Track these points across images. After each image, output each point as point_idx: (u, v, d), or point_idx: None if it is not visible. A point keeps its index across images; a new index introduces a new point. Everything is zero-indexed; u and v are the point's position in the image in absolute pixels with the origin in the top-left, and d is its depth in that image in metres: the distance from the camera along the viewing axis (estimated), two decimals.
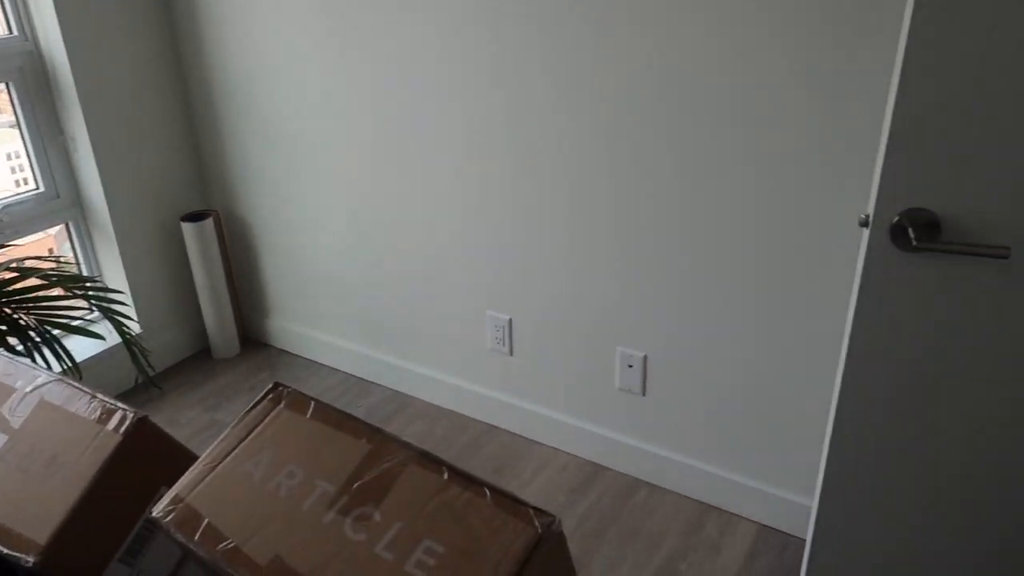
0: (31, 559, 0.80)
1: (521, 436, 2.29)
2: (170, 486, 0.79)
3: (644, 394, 2.00)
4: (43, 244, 2.59)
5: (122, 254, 2.49)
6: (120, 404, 0.89)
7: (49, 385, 0.92)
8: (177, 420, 2.43)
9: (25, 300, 1.61)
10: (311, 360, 2.73)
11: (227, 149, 2.54)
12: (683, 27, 1.58)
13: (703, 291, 1.79)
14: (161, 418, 2.44)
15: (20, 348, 1.59)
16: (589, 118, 1.78)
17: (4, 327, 1.54)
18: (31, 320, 1.58)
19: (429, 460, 0.74)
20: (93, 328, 1.91)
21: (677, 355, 1.90)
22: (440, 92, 1.98)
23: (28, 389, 0.92)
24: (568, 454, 2.21)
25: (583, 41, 1.72)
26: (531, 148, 1.90)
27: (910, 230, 1.09)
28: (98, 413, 0.87)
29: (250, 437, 0.79)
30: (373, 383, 2.58)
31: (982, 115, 1.02)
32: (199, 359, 2.77)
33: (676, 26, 1.59)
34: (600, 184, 1.83)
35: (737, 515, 1.96)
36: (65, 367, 1.68)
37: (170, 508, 0.74)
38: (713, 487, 1.97)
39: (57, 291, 1.94)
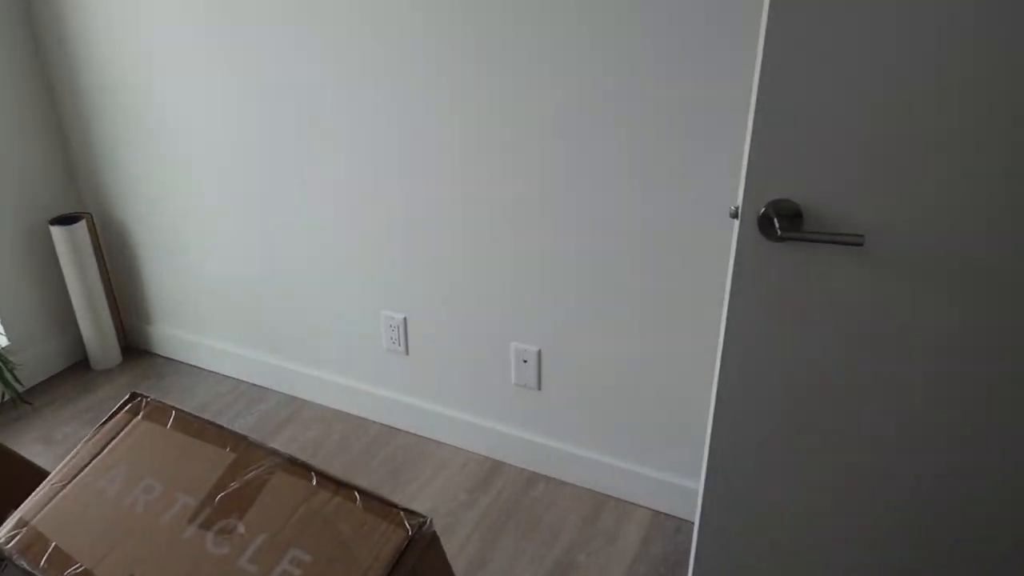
0: None
1: (420, 436, 2.27)
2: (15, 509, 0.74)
3: (540, 388, 2.02)
4: None
5: None
6: None
7: None
8: (52, 436, 2.29)
9: None
10: (199, 367, 2.62)
11: (99, 148, 2.40)
12: (515, 27, 1.60)
13: (591, 285, 1.82)
14: (35, 435, 2.29)
15: None
16: (477, 116, 1.78)
17: None
18: None
19: (297, 466, 0.72)
20: None
21: (570, 349, 1.92)
22: (325, 85, 1.94)
23: None
24: (467, 452, 2.21)
25: (446, 37, 1.71)
26: (421, 144, 1.88)
27: (775, 220, 1.14)
28: None
29: (105, 451, 0.74)
30: (267, 388, 2.50)
31: (839, 108, 1.07)
32: (77, 370, 2.61)
33: (557, 26, 1.61)
34: (490, 181, 1.83)
35: (632, 503, 2.00)
36: None
37: (13, 533, 0.69)
38: (608, 477, 2.00)
39: None
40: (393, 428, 2.31)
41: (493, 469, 2.14)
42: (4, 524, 0.71)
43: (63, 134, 2.45)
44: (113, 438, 0.76)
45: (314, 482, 0.71)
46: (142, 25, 2.12)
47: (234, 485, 0.70)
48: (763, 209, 1.16)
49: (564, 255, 1.82)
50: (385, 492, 2.06)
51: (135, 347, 2.74)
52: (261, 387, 2.51)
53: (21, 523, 0.70)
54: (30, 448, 2.24)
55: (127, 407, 0.79)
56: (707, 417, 1.83)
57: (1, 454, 0.81)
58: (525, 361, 2.00)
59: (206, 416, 2.34)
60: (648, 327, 1.80)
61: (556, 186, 1.76)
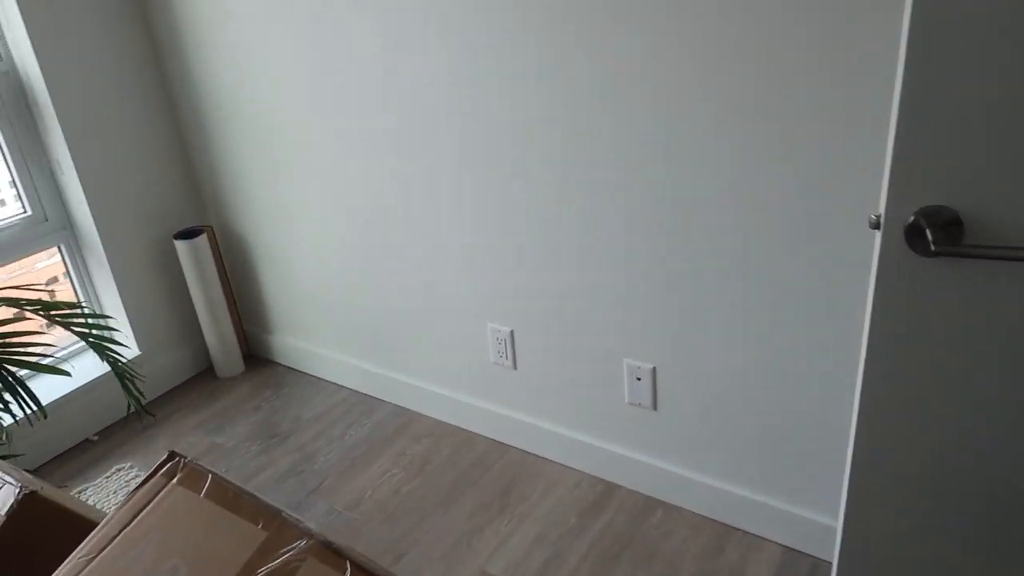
0: None
1: (530, 453, 2.17)
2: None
3: (655, 408, 1.86)
4: (51, 271, 2.54)
5: (115, 276, 2.42)
6: (11, 478, 0.78)
7: None
8: (176, 445, 2.36)
9: None
10: (316, 377, 2.64)
11: (220, 163, 2.45)
12: (681, 26, 1.43)
13: (712, 299, 1.64)
14: (160, 444, 2.36)
15: None
16: (591, 127, 1.64)
17: None
18: None
19: (331, 552, 0.62)
20: (80, 357, 1.82)
21: (688, 367, 1.75)
22: (438, 102, 1.86)
23: None
24: (579, 472, 2.08)
25: (583, 52, 1.58)
26: (533, 157, 1.76)
27: (928, 231, 0.94)
28: None
29: (135, 521, 0.68)
30: (378, 399, 2.48)
31: (1015, 88, 0.86)
32: (202, 379, 2.70)
33: (673, 26, 1.44)
34: (604, 191, 1.69)
35: (759, 537, 1.81)
36: (26, 411, 1.59)
37: None
38: (733, 506, 1.82)
39: (32, 323, 1.87)
40: (502, 444, 2.22)
41: (606, 492, 2.00)
42: None
43: (186, 151, 2.52)
44: (145, 506, 0.70)
45: (347, 573, 0.61)
46: (258, 43, 2.13)
47: (262, 572, 0.61)
48: (912, 218, 0.96)
49: (682, 266, 1.65)
50: (494, 512, 1.97)
51: (257, 355, 2.80)
52: (374, 398, 2.49)
53: None
54: (155, 458, 2.31)
55: (164, 468, 0.72)
56: (846, 446, 1.61)
57: (46, 510, 0.77)
58: (639, 379, 1.85)
59: (323, 424, 2.36)
60: (777, 344, 1.60)
61: (671, 191, 1.59)
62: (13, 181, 2.30)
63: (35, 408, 1.63)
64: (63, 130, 2.21)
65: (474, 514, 1.97)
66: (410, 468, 2.16)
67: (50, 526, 0.77)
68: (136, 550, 0.65)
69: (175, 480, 0.70)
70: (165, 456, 0.72)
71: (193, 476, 0.70)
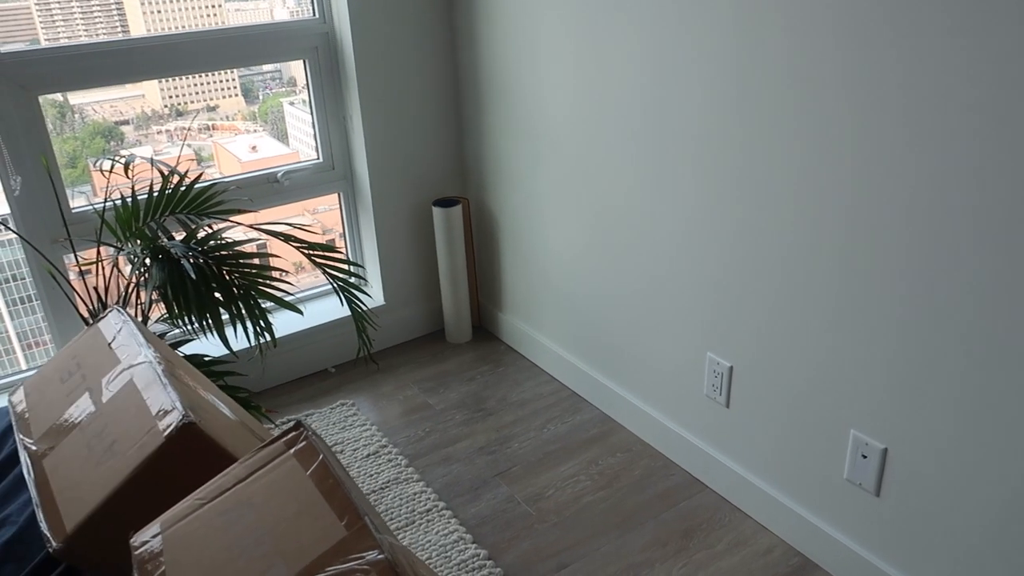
0: (54, 544, 0.79)
1: (727, 500, 1.99)
2: None
3: (878, 494, 1.60)
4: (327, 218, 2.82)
5: (377, 229, 2.62)
6: (179, 404, 0.85)
7: (141, 367, 0.92)
8: (394, 396, 2.52)
9: (244, 265, 1.72)
10: (533, 362, 2.66)
11: (486, 141, 2.54)
12: (936, 39, 1.18)
13: (977, 387, 1.36)
14: (380, 391, 2.54)
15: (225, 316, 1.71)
16: (853, 154, 1.44)
17: (217, 288, 1.65)
18: (240, 283, 1.68)
19: (393, 575, 0.58)
20: (324, 299, 1.99)
21: (927, 454, 1.48)
22: (699, 123, 1.75)
23: (125, 365, 0.93)
24: (775, 536, 1.87)
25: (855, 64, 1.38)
26: (785, 188, 1.59)
27: None
28: (158, 409, 0.85)
29: (248, 480, 0.70)
30: (586, 401, 2.44)
31: None
32: (433, 339, 2.84)
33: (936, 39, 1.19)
34: (865, 242, 1.48)
35: None
36: (261, 340, 1.77)
37: (145, 541, 0.68)
38: None
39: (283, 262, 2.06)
40: (699, 481, 2.06)
41: (800, 568, 1.78)
42: (148, 527, 0.71)
43: (459, 126, 2.65)
44: (262, 467, 0.71)
45: None
46: (537, 38, 2.16)
47: (328, 571, 0.59)
48: None
49: (944, 340, 1.39)
50: (670, 551, 1.84)
51: (485, 328, 2.89)
52: (582, 398, 2.45)
53: (155, 533, 0.68)
54: (375, 402, 2.49)
55: (287, 436, 0.73)
56: None
57: (200, 440, 0.82)
58: (864, 456, 1.60)
59: (527, 410, 2.37)
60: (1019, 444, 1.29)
61: (938, 245, 1.34)
62: (314, 129, 2.58)
63: (268, 337, 1.81)
64: (359, 89, 2.42)
65: (649, 547, 1.86)
66: (599, 479, 2.10)
67: (199, 459, 0.83)
68: (238, 511, 0.67)
69: (292, 451, 0.71)
70: (292, 424, 0.74)
71: (307, 452, 0.70)
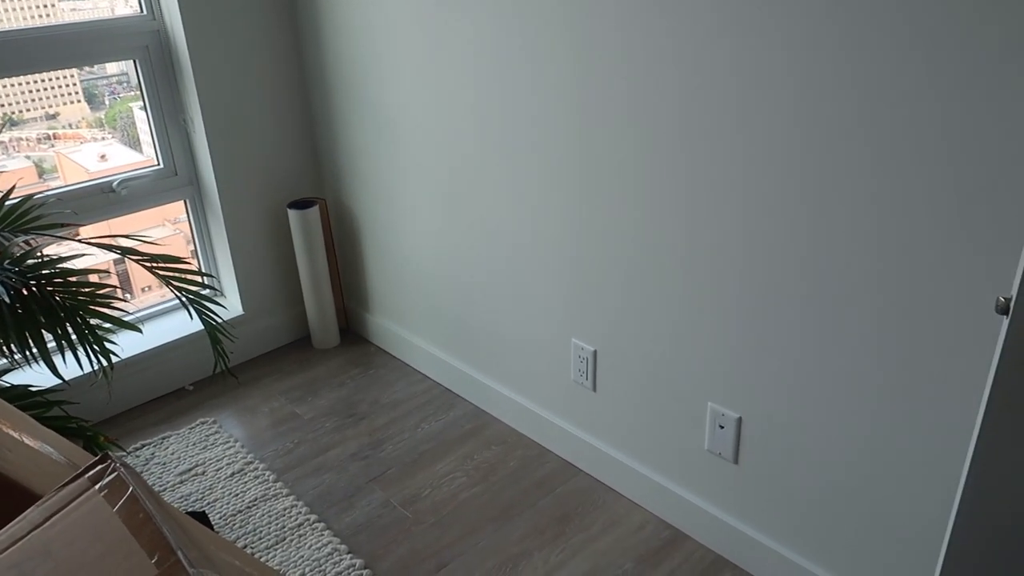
0: None
1: (600, 482, 2.03)
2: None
3: (736, 461, 1.67)
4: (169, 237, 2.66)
5: (229, 236, 2.49)
6: None
7: None
8: (258, 409, 2.40)
9: (72, 284, 1.58)
10: (404, 362, 2.61)
11: (339, 138, 2.46)
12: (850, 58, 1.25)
13: (814, 357, 1.44)
14: (244, 405, 2.42)
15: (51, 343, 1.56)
16: (713, 156, 1.48)
17: (40, 312, 1.51)
18: (68, 303, 1.55)
19: None
20: (175, 314, 1.86)
21: (779, 423, 1.56)
22: (545, 100, 1.75)
23: None
24: (646, 512, 1.92)
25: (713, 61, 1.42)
26: (639, 168, 1.63)
27: None
28: None
29: (45, 525, 0.63)
30: (459, 396, 2.42)
31: None
32: (299, 346, 2.74)
33: (839, 56, 1.26)
34: (708, 224, 1.52)
35: None
36: (95, 366, 1.64)
37: None
38: None
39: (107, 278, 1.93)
40: (572, 465, 2.09)
41: (671, 541, 1.84)
42: None
43: (311, 123, 2.56)
44: (61, 508, 0.64)
45: None
46: (386, 27, 2.11)
47: None
48: None
49: (788, 316, 1.46)
50: (548, 538, 1.85)
51: (354, 331, 2.81)
52: (455, 394, 2.43)
53: None
54: (239, 417, 2.37)
55: (94, 470, 0.67)
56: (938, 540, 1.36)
57: (14, 491, 0.74)
58: (722, 427, 1.67)
59: (399, 411, 2.32)
60: (880, 420, 1.38)
61: (789, 241, 1.41)
62: (151, 133, 2.41)
63: (105, 361, 1.67)
64: (198, 89, 2.28)
65: (527, 537, 1.87)
66: (474, 474, 2.08)
67: (4, 502, 0.74)
68: (31, 563, 0.60)
69: (97, 487, 0.64)
70: (98, 457, 0.67)
71: (116, 485, 0.64)
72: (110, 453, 0.67)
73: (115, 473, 0.65)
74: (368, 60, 2.20)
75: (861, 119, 1.23)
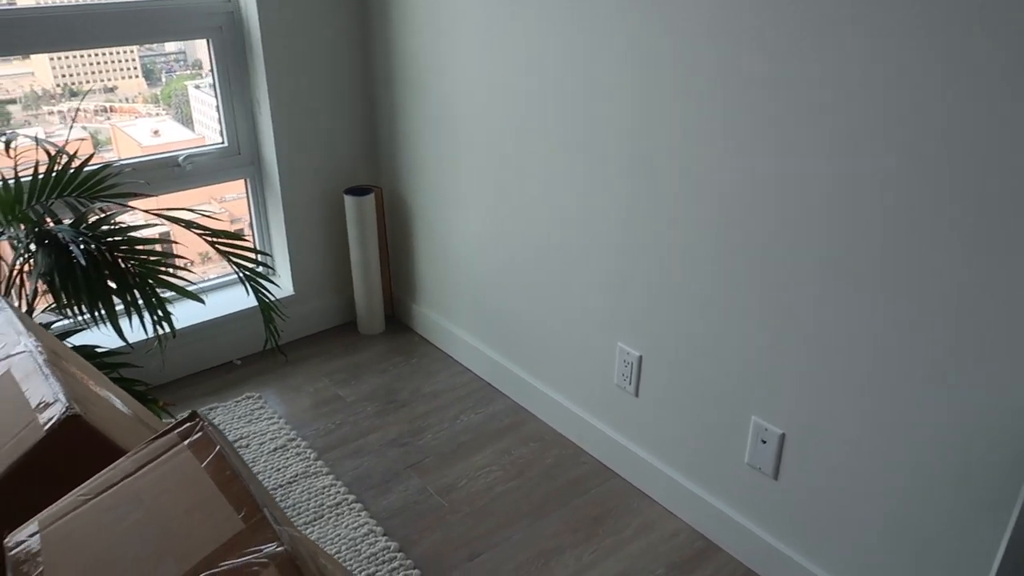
0: None
1: (634, 486, 2.03)
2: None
3: (776, 477, 1.67)
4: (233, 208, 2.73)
5: (286, 217, 2.55)
6: (63, 395, 0.80)
7: (19, 357, 0.86)
8: (303, 388, 2.45)
9: (140, 252, 1.64)
10: (446, 353, 2.64)
11: (398, 128, 2.50)
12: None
13: (868, 377, 1.43)
14: (289, 384, 2.47)
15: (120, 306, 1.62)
16: (773, 154, 1.48)
17: (110, 276, 1.57)
18: (137, 270, 1.60)
19: (293, 570, 0.56)
20: (229, 289, 1.91)
21: (825, 442, 1.55)
22: (601, 97, 1.77)
23: (1, 356, 0.87)
24: (680, 520, 1.92)
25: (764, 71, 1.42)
26: (697, 173, 1.63)
27: None
28: (39, 401, 0.79)
29: (137, 474, 0.66)
30: (499, 391, 2.44)
31: None
32: (345, 330, 2.79)
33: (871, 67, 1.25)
34: (767, 234, 1.53)
35: None
36: (159, 329, 1.69)
37: (21, 541, 0.63)
38: None
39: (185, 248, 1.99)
40: (608, 468, 2.10)
41: (704, 552, 1.84)
42: (24, 527, 0.66)
43: (372, 112, 2.60)
44: (152, 460, 0.68)
45: None
46: (452, 22, 2.14)
47: (223, 566, 0.57)
48: None
49: (839, 334, 1.46)
50: (580, 537, 1.87)
51: (399, 319, 2.85)
52: (495, 389, 2.45)
53: (33, 532, 0.64)
54: (284, 395, 2.42)
55: (182, 427, 0.70)
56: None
57: (87, 434, 0.77)
58: (764, 442, 1.66)
59: (440, 401, 2.36)
60: (934, 447, 1.37)
61: (847, 254, 1.40)
62: (218, 112, 2.48)
63: (167, 328, 1.73)
64: (267, 71, 2.34)
65: (559, 534, 1.88)
66: (510, 469, 2.10)
67: (85, 454, 0.78)
68: (125, 507, 0.63)
69: (186, 443, 0.67)
70: (187, 414, 0.70)
71: (203, 442, 0.67)
72: (198, 412, 0.70)
73: (202, 431, 0.68)
74: (431, 53, 2.24)
75: (964, 124, 1.23)
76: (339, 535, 1.84)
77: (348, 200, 2.56)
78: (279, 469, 2.06)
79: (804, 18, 1.34)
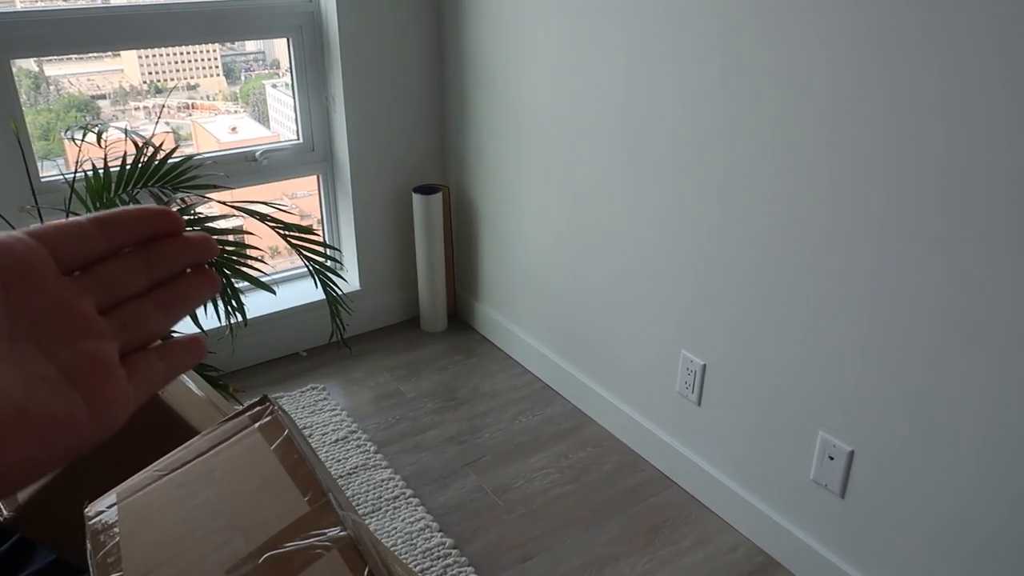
0: (6, 514, 0.77)
1: (693, 497, 2.00)
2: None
3: (843, 496, 1.62)
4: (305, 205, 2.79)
5: (355, 213, 2.60)
6: None
7: None
8: (365, 382, 2.49)
9: (218, 242, 1.69)
10: (507, 354, 2.65)
11: (469, 129, 2.52)
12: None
13: (943, 393, 1.37)
14: (352, 377, 2.52)
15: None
16: (831, 158, 1.44)
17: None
18: (216, 260, 1.65)
19: (355, 555, 0.57)
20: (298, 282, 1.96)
21: (896, 462, 1.49)
22: (682, 107, 1.75)
23: None
24: (739, 534, 1.88)
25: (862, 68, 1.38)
26: (763, 189, 1.60)
27: None
28: None
29: (210, 453, 0.68)
30: (558, 394, 2.43)
31: None
32: (408, 327, 2.83)
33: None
34: (842, 247, 1.48)
35: None
36: (232, 318, 1.74)
37: (100, 511, 0.66)
38: None
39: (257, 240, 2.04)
40: (667, 478, 2.07)
41: (763, 567, 1.79)
42: (103, 498, 0.69)
43: (442, 112, 2.63)
44: (225, 440, 0.70)
45: None
46: (524, 25, 2.15)
47: (288, 547, 0.58)
48: None
49: (911, 348, 1.40)
50: (636, 546, 1.84)
51: (461, 318, 2.87)
52: (555, 391, 2.44)
53: (111, 503, 0.66)
54: (346, 387, 2.47)
55: (252, 411, 0.72)
56: None
57: (162, 411, 0.80)
58: (831, 458, 1.61)
59: (499, 401, 2.36)
60: (1016, 471, 1.30)
61: (908, 242, 1.35)
62: (295, 109, 2.54)
63: (240, 317, 1.78)
64: (343, 70, 2.39)
65: (615, 541, 1.86)
66: (567, 473, 2.09)
67: (162, 430, 0.81)
68: (199, 483, 0.65)
69: (256, 425, 0.69)
70: (258, 398, 0.72)
71: (273, 426, 0.68)
72: (268, 396, 0.72)
73: (272, 415, 0.70)
74: (504, 55, 2.25)
75: None
76: (395, 528, 1.87)
77: (416, 198, 2.59)
78: (340, 460, 2.10)
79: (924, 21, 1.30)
